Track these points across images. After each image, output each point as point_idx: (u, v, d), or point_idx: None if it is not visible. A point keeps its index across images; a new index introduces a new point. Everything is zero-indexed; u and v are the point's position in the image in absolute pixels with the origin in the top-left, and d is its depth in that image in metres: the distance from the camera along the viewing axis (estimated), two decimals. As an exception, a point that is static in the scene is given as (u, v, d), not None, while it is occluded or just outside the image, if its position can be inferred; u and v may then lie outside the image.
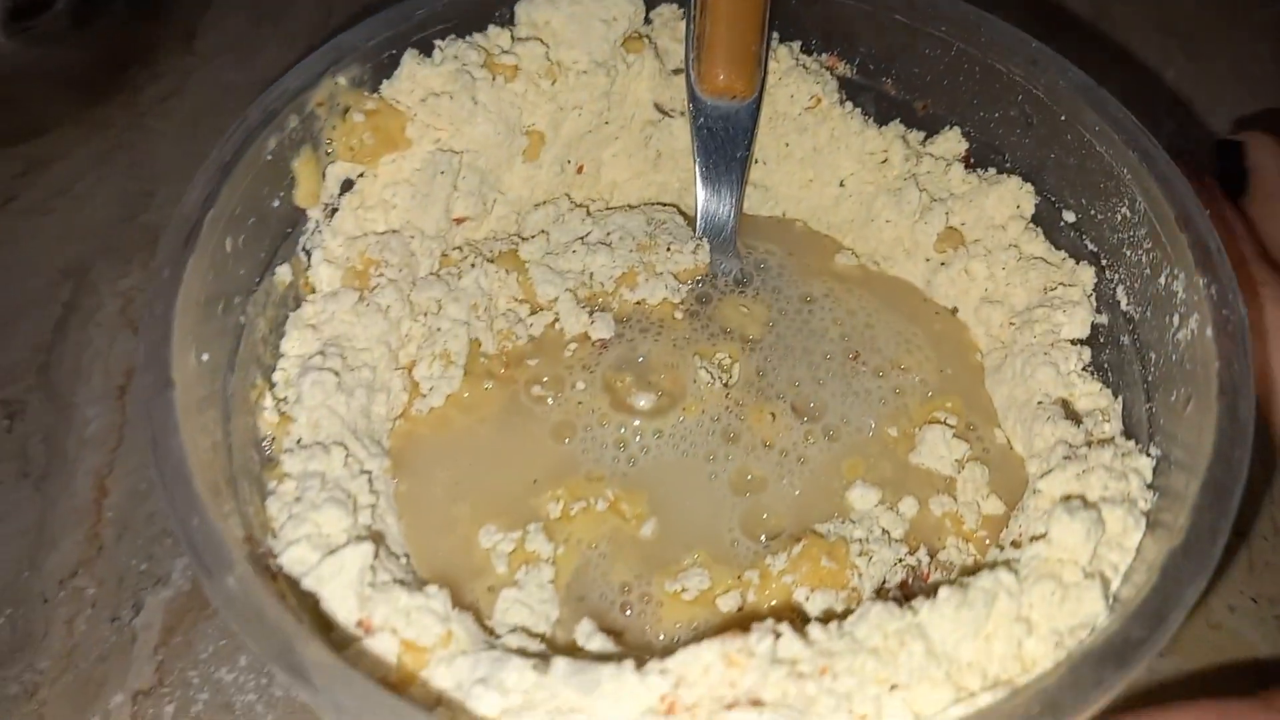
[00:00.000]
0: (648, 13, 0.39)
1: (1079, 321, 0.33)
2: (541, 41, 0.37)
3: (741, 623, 0.24)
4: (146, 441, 0.26)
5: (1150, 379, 0.30)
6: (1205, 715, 0.26)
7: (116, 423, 0.45)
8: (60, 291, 0.49)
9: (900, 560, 0.29)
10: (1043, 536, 0.26)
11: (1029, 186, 0.36)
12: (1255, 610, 0.39)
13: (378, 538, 0.29)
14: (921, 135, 0.39)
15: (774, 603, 0.27)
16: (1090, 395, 0.31)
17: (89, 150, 0.54)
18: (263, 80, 0.57)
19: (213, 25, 0.60)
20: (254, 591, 0.23)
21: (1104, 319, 0.34)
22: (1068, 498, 0.27)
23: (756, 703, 0.21)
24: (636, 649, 0.28)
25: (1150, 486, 0.27)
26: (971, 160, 0.38)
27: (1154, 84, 0.59)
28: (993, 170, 0.37)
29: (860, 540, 0.29)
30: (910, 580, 0.29)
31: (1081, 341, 0.33)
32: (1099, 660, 0.22)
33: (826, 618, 0.25)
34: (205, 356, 0.29)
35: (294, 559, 0.26)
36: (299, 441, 0.30)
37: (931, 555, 0.30)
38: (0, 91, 0.48)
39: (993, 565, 0.25)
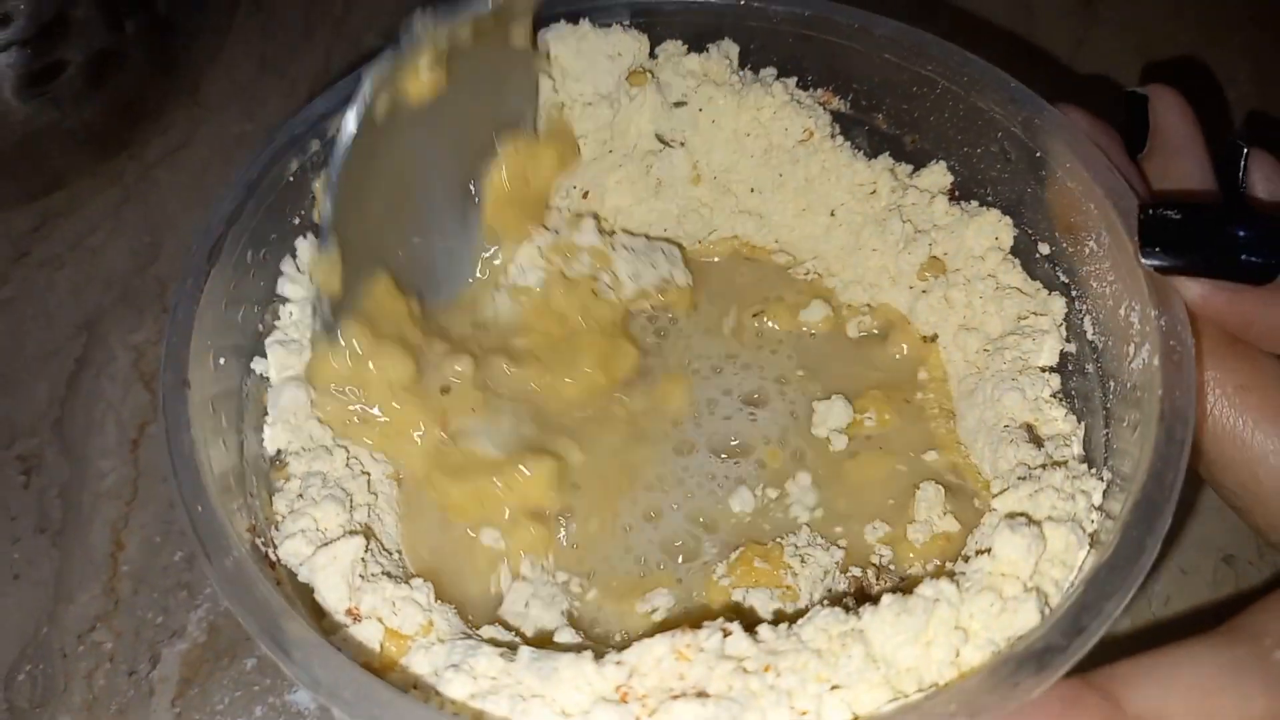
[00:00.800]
0: (652, 48, 0.48)
1: (1048, 350, 0.40)
2: (549, 75, 0.46)
3: (694, 621, 0.31)
4: (162, 438, 0.34)
5: (1108, 405, 0.37)
6: (1175, 659, 0.30)
7: (130, 476, 0.54)
8: (73, 345, 0.59)
9: (838, 564, 0.37)
10: (988, 551, 0.33)
11: (1008, 219, 0.44)
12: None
13: (370, 533, 0.37)
14: (909, 168, 0.47)
15: (720, 603, 0.35)
16: (1054, 421, 0.39)
17: (101, 203, 0.65)
18: (267, 128, 0.68)
19: (219, 76, 0.71)
20: (247, 573, 0.31)
21: (1072, 347, 0.41)
22: (1014, 515, 0.34)
23: (702, 694, 0.28)
24: (600, 642, 0.36)
25: (1099, 509, 0.34)
26: (956, 193, 0.46)
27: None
28: (975, 203, 0.45)
29: (795, 545, 0.37)
30: (860, 589, 0.36)
31: (1051, 369, 0.40)
32: (1018, 664, 0.28)
33: (778, 620, 0.32)
34: (222, 360, 0.38)
35: (291, 550, 0.35)
36: (302, 447, 0.39)
37: (878, 567, 0.37)
38: (18, 152, 0.58)
39: (936, 576, 0.32)
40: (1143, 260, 0.36)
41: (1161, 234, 0.36)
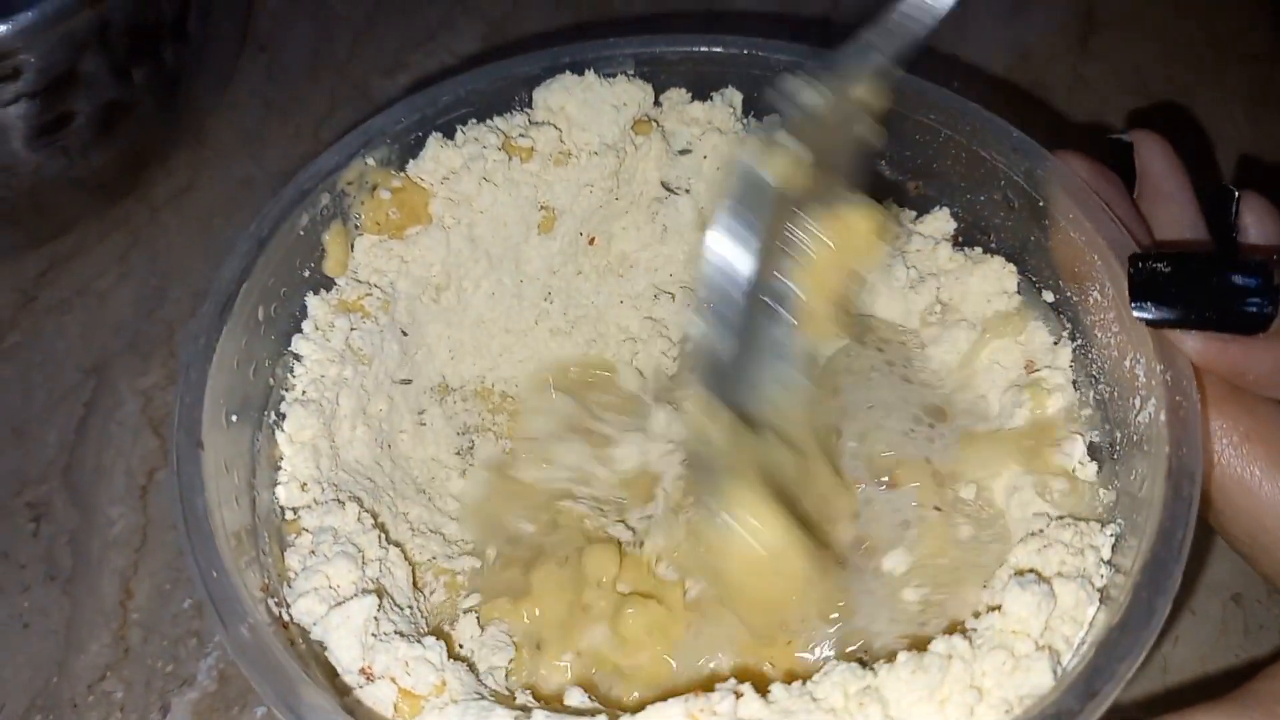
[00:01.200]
0: (656, 97, 0.49)
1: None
2: (555, 126, 0.47)
3: (706, 685, 0.31)
4: (174, 499, 0.34)
5: (1115, 458, 0.37)
6: None
7: (140, 523, 0.55)
8: (82, 390, 0.60)
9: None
10: (998, 608, 0.33)
11: (1011, 266, 0.44)
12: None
13: (382, 590, 0.37)
14: (913, 214, 0.47)
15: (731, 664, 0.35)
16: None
17: (108, 247, 0.66)
18: (273, 173, 0.69)
19: (223, 120, 0.72)
20: (263, 640, 0.31)
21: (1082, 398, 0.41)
22: (1023, 571, 0.34)
23: (717, 757, 0.29)
24: (613, 705, 0.36)
25: (1108, 563, 0.34)
26: (960, 240, 0.46)
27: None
28: (978, 250, 0.46)
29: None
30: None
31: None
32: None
33: (789, 679, 0.32)
34: (234, 418, 0.38)
35: (304, 609, 0.35)
36: (314, 500, 0.39)
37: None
38: (27, 200, 0.58)
39: (949, 633, 0.32)
40: (1134, 314, 0.36)
41: (1151, 286, 0.36)
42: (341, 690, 0.34)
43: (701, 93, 0.49)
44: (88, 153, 0.58)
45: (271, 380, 0.42)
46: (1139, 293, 0.36)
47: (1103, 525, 0.36)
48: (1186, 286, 0.35)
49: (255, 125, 0.72)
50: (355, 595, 0.36)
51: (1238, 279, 0.35)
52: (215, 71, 0.68)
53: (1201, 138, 0.69)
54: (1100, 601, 0.33)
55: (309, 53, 0.77)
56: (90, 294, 0.64)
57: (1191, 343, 0.35)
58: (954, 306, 0.46)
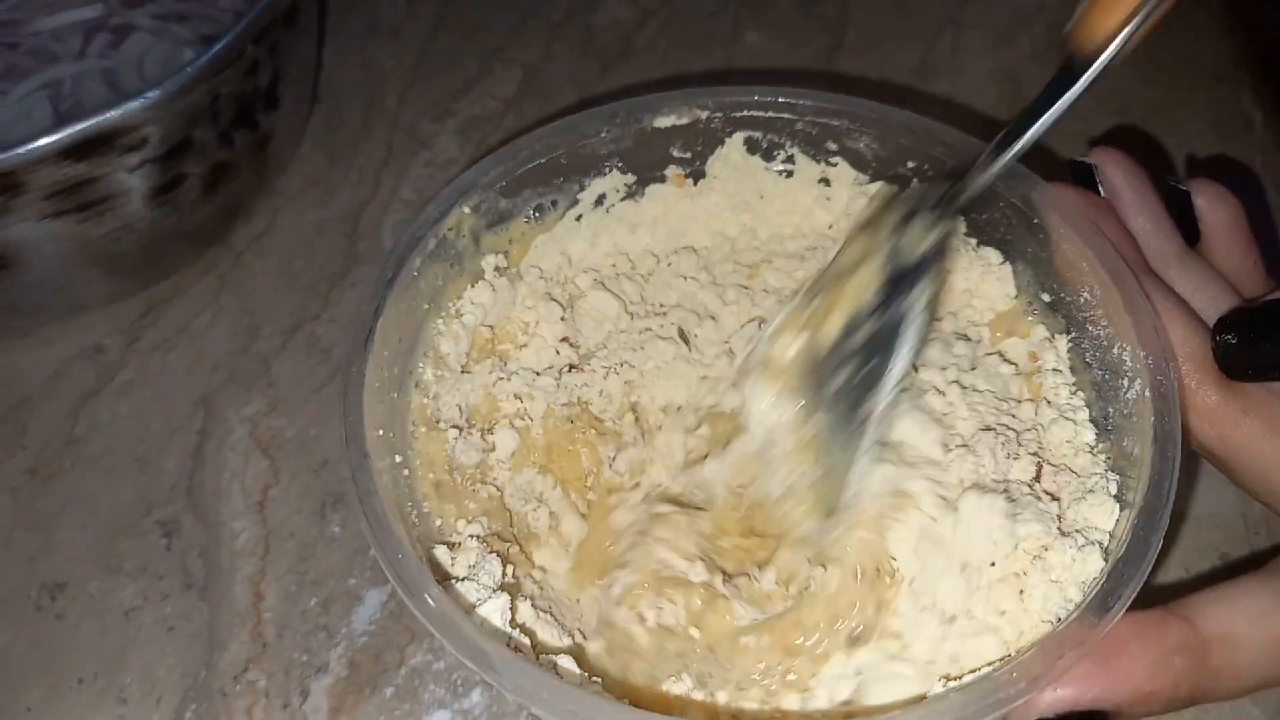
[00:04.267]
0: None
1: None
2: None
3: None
4: (355, 500, 0.42)
5: (1109, 429, 0.46)
6: (1235, 591, 0.39)
7: (261, 534, 0.62)
8: (193, 420, 0.67)
9: None
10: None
11: (1009, 269, 0.53)
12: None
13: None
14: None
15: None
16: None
17: (200, 290, 0.73)
18: (341, 215, 0.77)
19: (292, 170, 0.79)
20: (445, 603, 0.39)
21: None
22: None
23: None
24: None
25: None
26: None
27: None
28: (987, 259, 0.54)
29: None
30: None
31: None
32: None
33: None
34: (380, 432, 0.46)
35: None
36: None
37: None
38: (140, 252, 0.66)
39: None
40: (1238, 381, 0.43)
41: (1234, 360, 0.43)
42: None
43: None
44: (194, 208, 0.66)
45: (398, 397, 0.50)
46: (1231, 371, 0.43)
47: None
48: (1261, 346, 0.42)
49: (320, 172, 0.80)
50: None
51: None
52: (293, 128, 0.76)
53: (1169, 156, 0.78)
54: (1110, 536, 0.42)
55: (362, 103, 0.85)
56: (190, 333, 0.71)
57: None
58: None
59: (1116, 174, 0.49)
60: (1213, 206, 0.48)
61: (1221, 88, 0.83)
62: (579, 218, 0.58)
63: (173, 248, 0.69)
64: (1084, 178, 0.49)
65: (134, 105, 0.57)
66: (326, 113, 0.84)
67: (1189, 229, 0.49)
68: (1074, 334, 0.50)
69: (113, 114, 0.56)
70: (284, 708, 0.55)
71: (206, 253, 0.74)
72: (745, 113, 0.56)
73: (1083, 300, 0.48)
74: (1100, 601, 0.37)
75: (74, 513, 0.63)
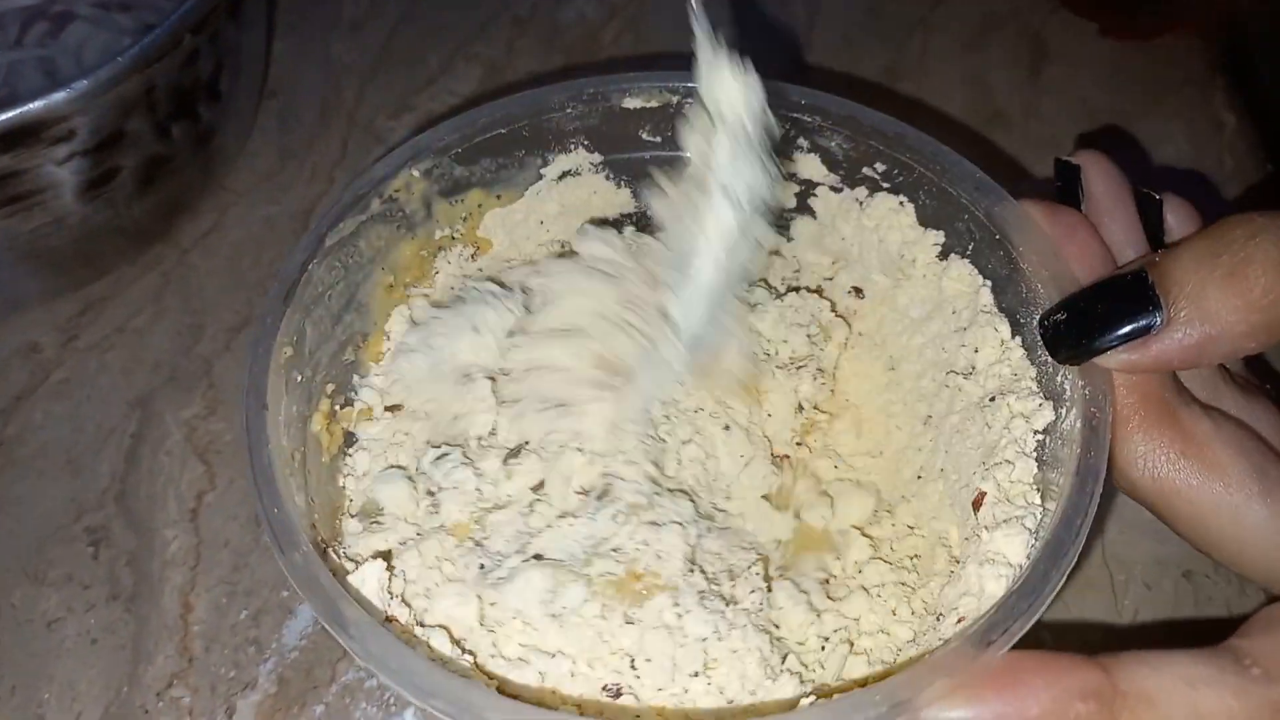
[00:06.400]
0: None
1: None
2: None
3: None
4: (243, 448, 0.40)
5: (1045, 460, 0.43)
6: (1167, 656, 0.36)
7: (193, 543, 0.59)
8: (128, 423, 0.64)
9: None
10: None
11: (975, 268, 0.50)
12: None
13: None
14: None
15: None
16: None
17: (141, 288, 0.70)
18: (293, 212, 0.74)
19: (242, 166, 0.77)
20: (312, 565, 0.37)
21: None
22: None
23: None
24: None
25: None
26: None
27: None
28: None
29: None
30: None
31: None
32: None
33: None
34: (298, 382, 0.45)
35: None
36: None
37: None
38: (73, 248, 0.63)
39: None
40: (1059, 364, 0.42)
41: (1058, 337, 0.42)
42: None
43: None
44: (130, 203, 0.63)
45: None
46: (1052, 346, 0.42)
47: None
48: (1082, 323, 0.41)
49: (272, 169, 0.77)
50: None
51: (1118, 295, 0.40)
52: (240, 122, 0.73)
53: (1145, 159, 0.76)
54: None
55: (318, 99, 0.82)
56: (128, 332, 0.68)
57: (1110, 364, 0.41)
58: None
59: (1098, 181, 0.47)
60: (1183, 223, 0.47)
61: (1194, 90, 0.81)
62: (539, 193, 0.56)
63: (110, 244, 0.66)
64: (1069, 179, 0.48)
65: (59, 96, 0.54)
66: (280, 108, 0.81)
67: (1157, 240, 0.47)
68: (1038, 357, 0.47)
69: (36, 105, 0.53)
70: (208, 726, 0.53)
71: (148, 250, 0.71)
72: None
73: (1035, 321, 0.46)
74: (982, 634, 0.35)
75: (0, 519, 0.60)
